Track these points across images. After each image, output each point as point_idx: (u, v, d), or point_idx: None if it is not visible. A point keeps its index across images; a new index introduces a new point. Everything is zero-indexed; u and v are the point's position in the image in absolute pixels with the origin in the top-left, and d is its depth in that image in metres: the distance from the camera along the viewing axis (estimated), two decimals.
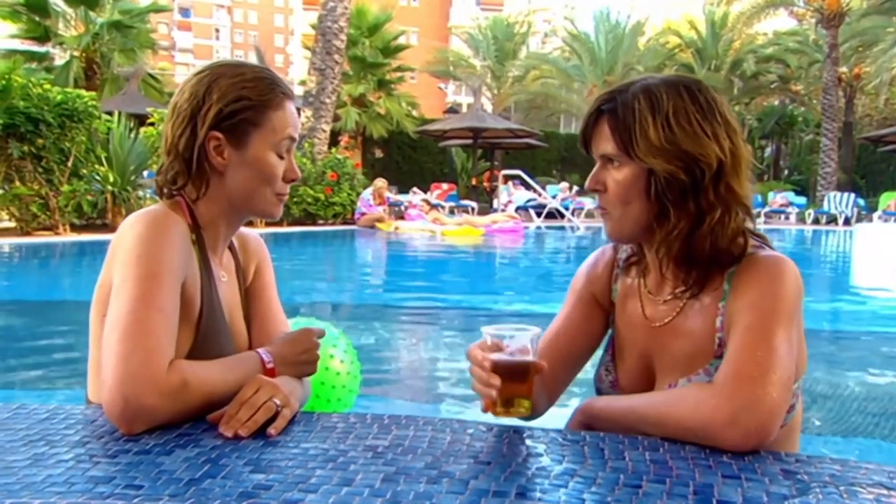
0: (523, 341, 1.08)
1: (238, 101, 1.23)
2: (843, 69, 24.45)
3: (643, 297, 1.28)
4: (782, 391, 1.04)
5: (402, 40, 24.99)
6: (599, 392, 1.37)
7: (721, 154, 1.14)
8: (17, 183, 9.49)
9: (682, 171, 1.14)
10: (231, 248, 1.40)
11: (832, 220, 18.94)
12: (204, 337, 1.22)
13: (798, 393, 1.22)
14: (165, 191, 1.28)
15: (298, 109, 1.62)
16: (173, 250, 1.15)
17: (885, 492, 0.88)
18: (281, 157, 1.28)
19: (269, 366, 1.20)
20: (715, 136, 1.15)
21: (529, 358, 1.08)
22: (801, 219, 19.47)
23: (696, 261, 1.18)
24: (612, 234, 1.25)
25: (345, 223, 13.63)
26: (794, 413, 1.21)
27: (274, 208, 1.31)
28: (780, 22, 29.63)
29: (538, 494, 0.85)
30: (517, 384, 1.07)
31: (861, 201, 19.77)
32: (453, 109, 31.74)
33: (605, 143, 1.19)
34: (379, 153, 24.99)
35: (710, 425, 1.02)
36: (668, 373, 1.23)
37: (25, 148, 9.26)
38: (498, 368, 1.05)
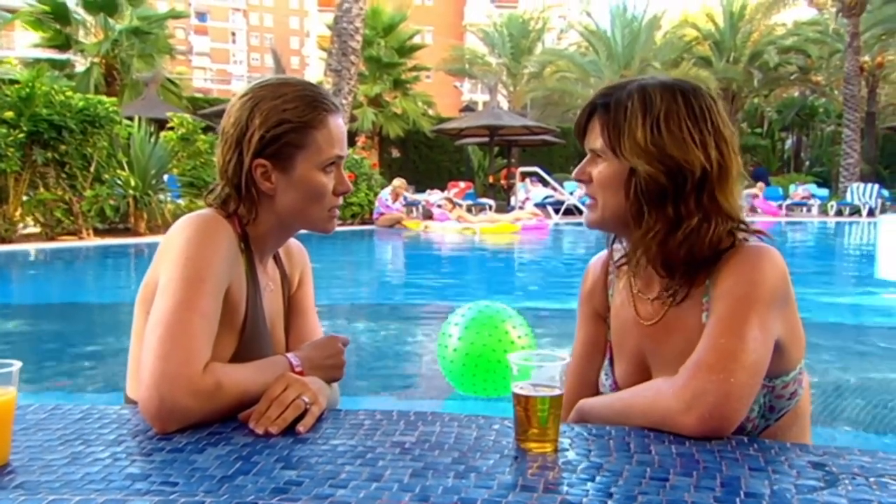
0: (551, 372, 1.01)
1: (280, 124, 1.23)
2: (866, 58, 24.08)
3: (634, 296, 1.29)
4: (746, 376, 1.05)
5: (417, 39, 25.08)
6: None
7: (706, 163, 1.15)
8: (42, 189, 9.64)
9: (663, 175, 1.15)
10: (275, 256, 1.41)
11: (855, 211, 18.67)
12: (247, 343, 1.26)
13: (800, 378, 1.22)
14: (216, 209, 1.28)
15: None
16: (220, 256, 1.18)
17: None
18: (328, 174, 1.28)
19: (298, 369, 1.22)
20: (703, 144, 1.15)
21: (556, 392, 1.00)
22: (823, 211, 19.21)
23: (673, 267, 1.19)
24: (592, 223, 1.27)
25: (363, 223, 13.69)
26: (798, 399, 1.22)
27: (325, 224, 1.32)
28: (799, 12, 29.28)
29: (565, 488, 0.85)
30: (537, 417, 0.99)
31: (885, 192, 19.46)
32: (469, 108, 31.74)
33: (595, 138, 1.22)
34: (396, 153, 25.06)
35: (668, 412, 1.05)
36: (662, 371, 1.23)
37: (49, 154, 9.41)
38: (520, 400, 1.00)
